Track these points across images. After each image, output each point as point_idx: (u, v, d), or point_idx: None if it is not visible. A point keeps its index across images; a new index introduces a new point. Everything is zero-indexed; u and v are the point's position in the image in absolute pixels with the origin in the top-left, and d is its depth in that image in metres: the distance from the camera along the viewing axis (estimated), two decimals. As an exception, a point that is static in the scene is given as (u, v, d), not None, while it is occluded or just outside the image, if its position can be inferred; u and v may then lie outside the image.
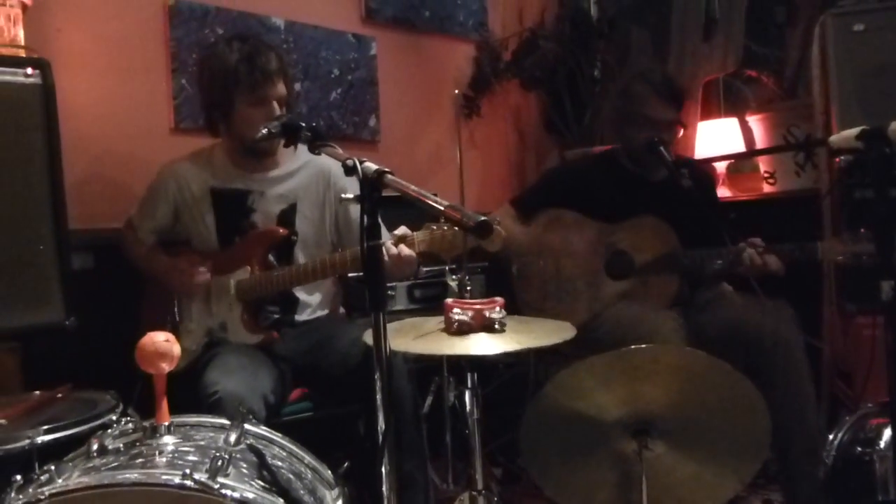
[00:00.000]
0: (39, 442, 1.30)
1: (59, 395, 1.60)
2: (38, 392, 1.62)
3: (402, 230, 1.82)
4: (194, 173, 2.09)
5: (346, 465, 2.09)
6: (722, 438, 1.51)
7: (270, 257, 2.06)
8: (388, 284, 2.50)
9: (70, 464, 1.17)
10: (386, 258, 1.76)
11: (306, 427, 1.96)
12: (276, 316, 2.10)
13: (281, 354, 2.03)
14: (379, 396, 1.25)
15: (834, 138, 1.62)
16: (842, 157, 2.38)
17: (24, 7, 2.07)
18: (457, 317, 1.44)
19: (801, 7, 3.17)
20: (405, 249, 1.77)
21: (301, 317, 2.14)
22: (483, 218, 1.07)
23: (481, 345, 1.41)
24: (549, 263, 2.39)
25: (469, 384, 1.57)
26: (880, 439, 1.73)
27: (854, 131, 1.52)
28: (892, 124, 1.47)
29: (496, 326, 1.44)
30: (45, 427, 1.33)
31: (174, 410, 1.32)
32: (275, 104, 1.99)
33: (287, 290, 2.08)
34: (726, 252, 2.13)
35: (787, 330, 2.07)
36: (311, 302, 2.16)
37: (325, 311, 2.22)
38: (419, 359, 1.86)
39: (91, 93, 2.37)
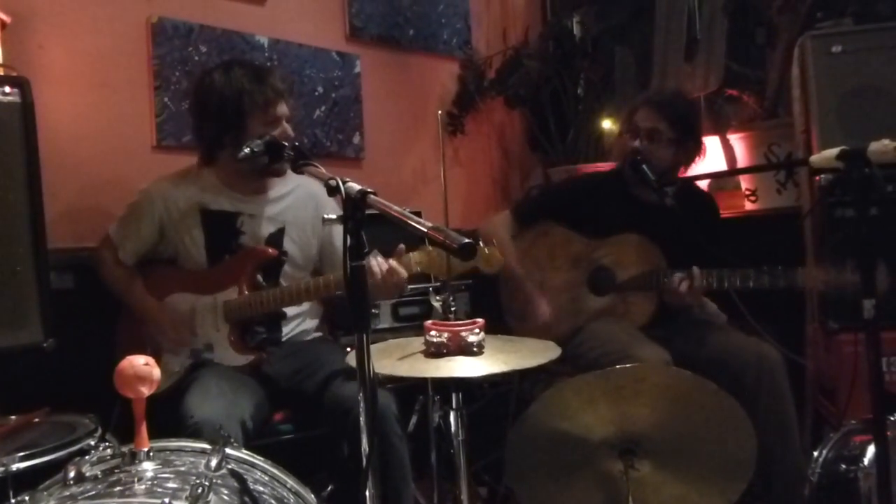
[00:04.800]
0: (14, 469, 1.27)
1: (36, 420, 1.56)
2: (14, 416, 1.59)
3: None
4: (181, 191, 2.07)
5: (329, 488, 2.08)
6: (708, 458, 1.51)
7: (259, 277, 2.05)
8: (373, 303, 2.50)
9: (45, 493, 1.14)
10: (378, 272, 1.77)
11: (289, 449, 1.94)
12: (263, 336, 2.09)
13: (266, 375, 2.01)
14: (363, 419, 1.24)
15: (814, 158, 1.63)
16: (822, 176, 2.41)
17: (3, 24, 2.06)
18: (433, 339, 1.43)
19: (780, 28, 3.21)
20: (398, 267, 1.78)
21: (286, 330, 2.13)
22: (467, 240, 1.06)
23: (464, 367, 1.40)
24: (535, 275, 2.40)
25: (454, 405, 1.56)
26: (864, 456, 1.73)
27: (834, 151, 1.54)
28: (871, 145, 1.48)
29: (474, 349, 1.43)
30: (21, 454, 1.30)
31: (157, 433, 1.30)
32: (285, 123, 2.01)
33: (275, 311, 2.06)
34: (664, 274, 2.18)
35: (770, 364, 2.07)
36: (297, 314, 2.16)
37: (314, 323, 2.22)
38: (403, 378, 1.85)
39: (72, 110, 2.35)
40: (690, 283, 2.12)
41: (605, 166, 3.03)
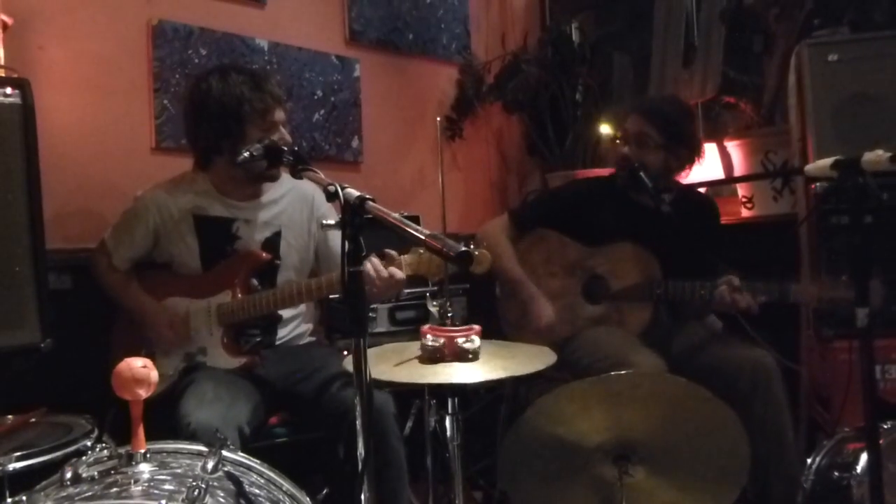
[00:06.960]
0: (11, 469, 1.28)
1: (33, 420, 1.57)
2: (10, 416, 1.59)
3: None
4: (175, 198, 2.07)
5: (325, 491, 2.08)
6: (702, 464, 1.51)
7: (254, 281, 2.05)
8: (370, 306, 2.50)
9: (42, 493, 1.14)
10: (376, 278, 1.78)
11: (284, 452, 1.94)
12: (258, 339, 2.09)
13: (261, 377, 2.01)
14: (359, 422, 1.24)
15: (810, 167, 1.64)
16: (817, 184, 2.42)
17: (5, 25, 2.06)
18: (429, 344, 1.44)
19: (777, 36, 3.23)
20: (397, 272, 1.78)
21: (282, 333, 2.13)
22: (464, 248, 1.07)
23: (460, 373, 1.40)
24: (531, 281, 2.40)
25: (450, 409, 1.56)
26: (857, 464, 1.74)
27: (828, 161, 1.55)
28: (865, 155, 1.50)
29: (469, 356, 1.44)
30: (18, 454, 1.30)
31: (151, 435, 1.30)
32: (282, 128, 2.02)
33: (270, 314, 2.06)
34: (699, 286, 2.13)
35: (765, 372, 2.07)
36: (292, 316, 2.16)
37: (310, 326, 2.22)
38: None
39: (72, 112, 2.35)
40: (741, 294, 2.06)
41: (602, 172, 3.04)
